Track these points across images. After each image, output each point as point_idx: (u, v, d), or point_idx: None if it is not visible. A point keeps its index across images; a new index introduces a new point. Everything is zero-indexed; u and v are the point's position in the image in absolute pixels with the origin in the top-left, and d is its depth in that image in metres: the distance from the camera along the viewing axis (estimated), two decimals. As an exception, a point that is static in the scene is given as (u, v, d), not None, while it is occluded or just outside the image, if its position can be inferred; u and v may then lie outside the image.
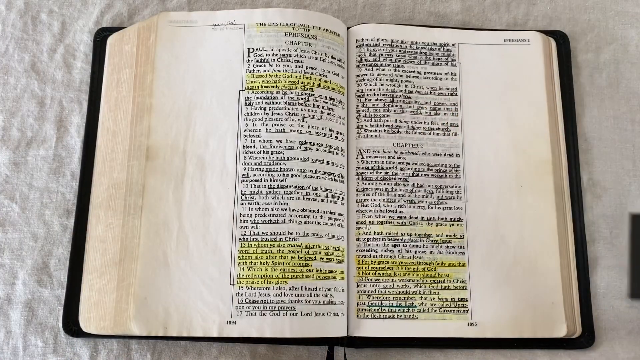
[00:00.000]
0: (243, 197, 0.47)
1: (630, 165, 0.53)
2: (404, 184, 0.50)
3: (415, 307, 0.47)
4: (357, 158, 0.50)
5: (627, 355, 0.48)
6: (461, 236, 0.49)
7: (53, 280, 0.49)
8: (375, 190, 0.49)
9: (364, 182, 0.50)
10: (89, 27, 0.56)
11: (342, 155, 0.50)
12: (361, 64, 0.52)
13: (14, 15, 0.56)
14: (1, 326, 0.48)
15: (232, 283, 0.46)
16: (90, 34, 0.55)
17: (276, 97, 0.49)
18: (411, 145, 0.51)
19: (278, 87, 0.49)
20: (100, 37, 0.55)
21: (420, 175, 0.50)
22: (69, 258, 0.49)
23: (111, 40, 0.54)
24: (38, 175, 0.52)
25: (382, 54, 0.53)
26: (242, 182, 0.48)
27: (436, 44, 0.54)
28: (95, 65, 0.54)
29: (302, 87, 0.49)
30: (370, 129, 0.51)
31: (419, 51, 0.53)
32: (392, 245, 0.48)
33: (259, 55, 0.50)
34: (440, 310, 0.47)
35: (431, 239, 0.49)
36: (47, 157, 0.52)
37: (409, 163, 0.50)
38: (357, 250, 0.48)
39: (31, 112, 0.53)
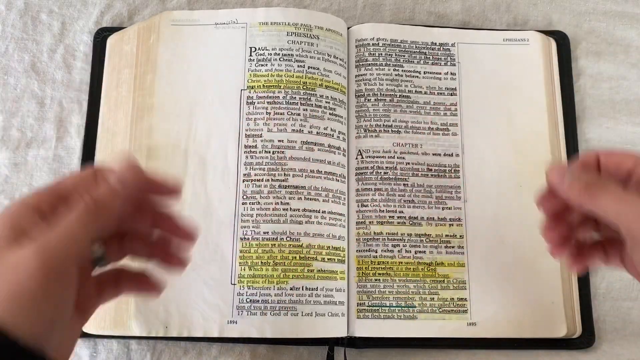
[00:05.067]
0: (244, 197, 0.47)
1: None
2: (404, 184, 0.50)
3: (415, 307, 0.47)
4: (357, 158, 0.50)
5: (627, 355, 0.48)
6: (460, 236, 0.49)
7: (53, 280, 0.49)
8: (375, 190, 0.49)
9: (364, 182, 0.50)
10: (89, 27, 0.56)
11: (344, 155, 0.50)
12: (361, 63, 0.52)
13: (14, 15, 0.56)
14: (1, 326, 0.48)
15: (233, 283, 0.46)
16: (90, 34, 0.55)
17: (278, 96, 0.49)
18: (411, 145, 0.51)
19: (280, 86, 0.49)
20: (100, 37, 0.54)
21: (420, 175, 0.50)
22: (69, 258, 0.49)
23: (111, 40, 0.54)
24: (38, 175, 0.52)
25: (381, 54, 0.53)
26: (243, 181, 0.48)
27: (436, 43, 0.54)
28: (95, 65, 0.54)
29: (304, 87, 0.49)
30: (370, 129, 0.51)
31: (418, 51, 0.53)
32: (392, 245, 0.48)
33: (261, 55, 0.50)
34: (440, 310, 0.47)
35: (431, 239, 0.49)
36: (47, 157, 0.52)
37: (409, 163, 0.50)
38: (357, 251, 0.48)
39: (31, 112, 0.53)
